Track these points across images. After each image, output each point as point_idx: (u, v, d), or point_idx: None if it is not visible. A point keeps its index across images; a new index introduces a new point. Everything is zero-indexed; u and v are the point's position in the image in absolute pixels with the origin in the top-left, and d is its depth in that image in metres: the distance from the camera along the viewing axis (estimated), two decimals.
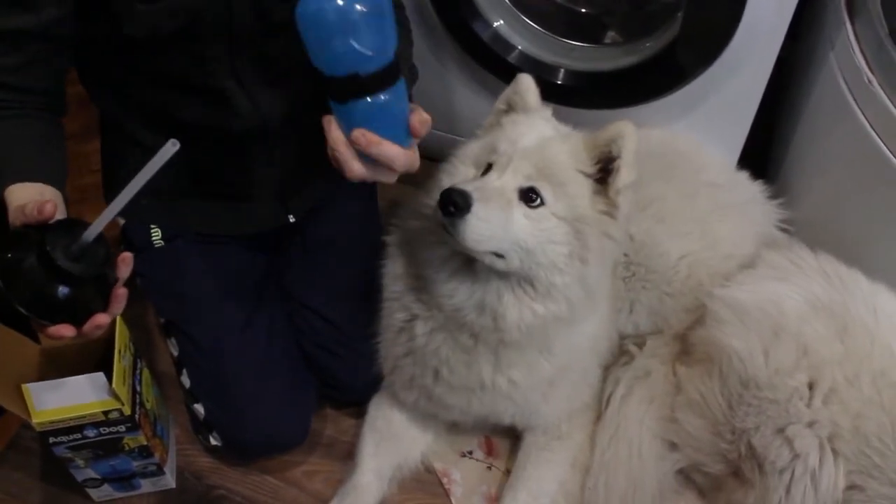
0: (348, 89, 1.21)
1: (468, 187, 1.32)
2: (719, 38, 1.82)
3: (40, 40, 1.36)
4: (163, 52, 1.45)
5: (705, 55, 1.86)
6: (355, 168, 1.26)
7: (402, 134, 1.26)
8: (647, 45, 2.00)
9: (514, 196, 1.36)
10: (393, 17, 1.21)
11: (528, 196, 1.36)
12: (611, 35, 2.17)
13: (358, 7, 1.14)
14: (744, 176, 2.01)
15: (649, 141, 1.98)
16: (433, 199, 1.42)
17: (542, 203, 1.37)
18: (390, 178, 1.30)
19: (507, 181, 1.37)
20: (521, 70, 1.98)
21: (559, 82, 2.03)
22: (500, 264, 1.37)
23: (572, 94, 2.02)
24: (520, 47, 2.05)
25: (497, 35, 2.04)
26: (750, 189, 1.99)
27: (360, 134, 1.22)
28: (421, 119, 1.27)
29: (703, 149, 2.03)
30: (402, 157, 1.25)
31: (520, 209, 1.36)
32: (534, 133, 1.43)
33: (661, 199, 1.82)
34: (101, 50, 1.50)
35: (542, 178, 1.37)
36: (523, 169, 1.37)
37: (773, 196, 2.00)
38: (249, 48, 1.49)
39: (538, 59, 2.05)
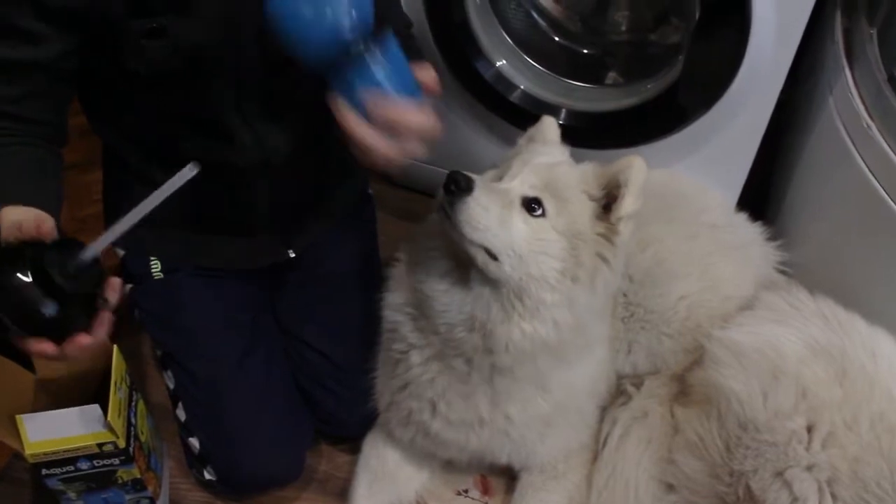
0: (342, 61, 1.20)
1: (475, 177, 1.35)
2: (720, 80, 1.84)
3: (44, 73, 1.36)
4: (167, 88, 1.45)
5: (706, 97, 1.88)
6: (382, 146, 1.25)
7: (410, 86, 1.25)
8: (649, 86, 2.01)
9: (518, 201, 1.40)
10: None
11: (531, 206, 1.40)
12: (612, 76, 2.19)
13: None
14: (743, 217, 2.02)
15: (650, 182, 1.97)
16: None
17: (544, 214, 1.40)
18: (416, 148, 1.29)
19: (514, 186, 1.41)
20: (524, 110, 2.02)
21: (561, 122, 2.02)
22: (492, 266, 1.38)
23: (574, 134, 2.00)
24: (522, 87, 2.07)
25: (500, 75, 2.06)
26: (749, 231, 1.99)
27: (371, 101, 1.20)
28: (428, 72, 1.25)
29: (703, 190, 2.03)
30: (414, 110, 1.24)
31: (520, 215, 1.39)
32: (548, 156, 1.49)
33: (660, 239, 1.82)
34: (106, 83, 1.51)
35: (547, 191, 1.41)
36: (531, 180, 1.42)
37: (772, 238, 2.00)
38: (255, 84, 1.50)
39: (540, 99, 2.07)
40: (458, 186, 1.32)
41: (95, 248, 1.17)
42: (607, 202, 1.43)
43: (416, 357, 1.57)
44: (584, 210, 1.43)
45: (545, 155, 1.50)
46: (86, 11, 1.32)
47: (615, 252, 1.43)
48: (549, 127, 1.58)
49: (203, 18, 1.38)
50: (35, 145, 1.40)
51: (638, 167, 1.40)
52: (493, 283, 1.41)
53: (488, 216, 1.34)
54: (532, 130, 1.60)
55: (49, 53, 1.34)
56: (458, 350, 1.51)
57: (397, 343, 1.61)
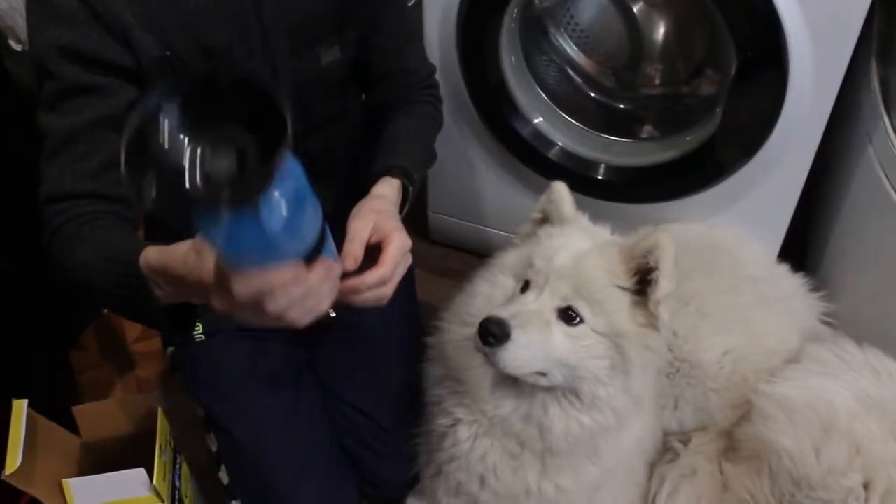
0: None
1: (505, 314, 1.31)
2: (759, 132, 1.83)
3: (116, 132, 1.25)
4: None
5: (745, 149, 1.87)
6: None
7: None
8: (686, 139, 2.01)
9: (553, 316, 1.35)
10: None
11: (567, 315, 1.35)
12: (647, 129, 2.19)
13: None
14: (785, 269, 2.00)
15: (689, 235, 1.98)
16: (474, 307, 1.45)
17: (582, 321, 1.35)
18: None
19: (545, 302, 1.36)
20: (562, 166, 2.02)
21: (599, 177, 2.04)
22: (543, 381, 1.36)
23: (613, 189, 2.04)
24: (560, 143, 2.07)
25: (537, 132, 2.06)
26: (792, 282, 1.97)
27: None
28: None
29: (743, 242, 2.02)
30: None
31: (559, 328, 1.35)
32: (569, 248, 1.41)
33: (702, 294, 1.81)
34: None
35: (579, 297, 1.35)
36: (560, 289, 1.36)
37: (815, 289, 1.98)
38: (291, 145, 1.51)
39: (578, 155, 2.07)
40: (496, 336, 1.29)
41: None
42: (640, 287, 1.37)
43: (463, 432, 1.53)
44: (619, 305, 1.37)
45: (565, 245, 1.42)
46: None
47: (660, 337, 1.38)
48: (562, 199, 1.48)
49: None
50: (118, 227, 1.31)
51: (666, 246, 1.33)
52: (546, 387, 1.39)
53: (531, 351, 1.31)
54: (544, 201, 1.52)
55: (121, 103, 1.30)
56: (510, 435, 1.48)
57: (442, 417, 1.57)
